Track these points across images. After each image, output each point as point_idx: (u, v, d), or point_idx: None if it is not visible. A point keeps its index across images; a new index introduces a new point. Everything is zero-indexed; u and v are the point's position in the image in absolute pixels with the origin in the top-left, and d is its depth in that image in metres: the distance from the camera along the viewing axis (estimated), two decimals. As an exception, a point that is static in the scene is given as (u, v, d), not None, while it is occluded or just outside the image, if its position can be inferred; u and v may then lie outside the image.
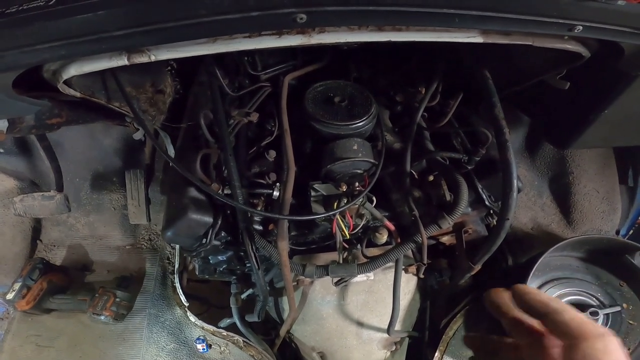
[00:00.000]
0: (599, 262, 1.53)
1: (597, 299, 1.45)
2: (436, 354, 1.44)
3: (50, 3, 0.66)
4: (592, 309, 1.40)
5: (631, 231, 1.85)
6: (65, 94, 1.01)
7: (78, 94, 1.04)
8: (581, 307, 1.44)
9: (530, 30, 0.80)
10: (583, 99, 1.14)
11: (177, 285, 1.64)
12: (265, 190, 1.09)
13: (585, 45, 0.93)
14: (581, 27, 0.79)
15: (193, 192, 1.07)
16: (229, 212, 1.10)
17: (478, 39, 0.85)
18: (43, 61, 0.80)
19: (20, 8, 0.67)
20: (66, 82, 0.93)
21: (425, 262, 1.14)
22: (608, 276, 1.52)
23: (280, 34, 0.78)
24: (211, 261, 1.24)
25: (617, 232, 1.80)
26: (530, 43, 0.88)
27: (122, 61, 0.80)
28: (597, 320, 1.40)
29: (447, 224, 1.05)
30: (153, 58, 0.81)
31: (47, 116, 1.18)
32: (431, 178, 1.16)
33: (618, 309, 1.43)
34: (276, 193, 1.08)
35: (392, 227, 1.11)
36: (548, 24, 0.78)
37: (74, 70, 0.84)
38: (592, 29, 0.80)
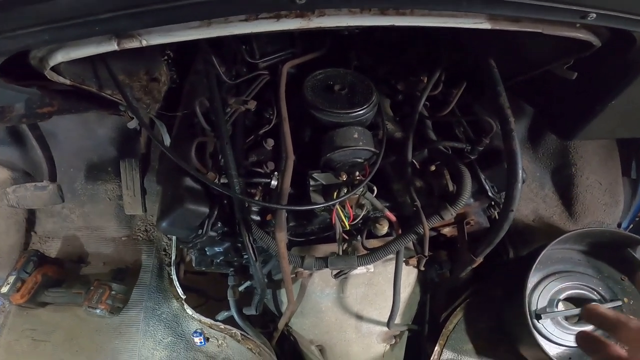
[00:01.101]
0: (600, 255, 1.52)
1: (598, 293, 1.44)
2: (436, 348, 1.43)
3: (32, -16, 0.62)
4: (592, 303, 1.39)
5: (632, 224, 1.84)
6: (55, 82, 0.97)
7: (68, 82, 1.00)
8: (582, 301, 1.43)
9: (541, 16, 0.77)
10: (590, 89, 1.11)
11: (174, 277, 1.63)
12: (263, 180, 1.07)
13: (596, 34, 0.89)
14: (595, 15, 0.75)
15: (189, 182, 1.05)
16: (225, 202, 1.08)
17: (485, 25, 0.82)
18: (26, 47, 0.76)
19: (0, -9, 0.63)
20: (54, 69, 0.89)
21: (426, 254, 1.13)
22: (609, 270, 1.50)
23: (278, 17, 0.75)
24: (208, 253, 1.22)
25: (619, 225, 1.78)
26: (540, 31, 0.84)
27: (111, 46, 0.77)
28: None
29: (450, 214, 1.03)
30: (145, 43, 0.77)
31: (37, 105, 1.15)
32: (433, 168, 1.13)
33: (619, 303, 1.41)
34: (274, 182, 1.06)
35: (393, 218, 1.08)
36: (560, 11, 0.75)
37: (60, 56, 0.81)
38: (606, 17, 0.77)
